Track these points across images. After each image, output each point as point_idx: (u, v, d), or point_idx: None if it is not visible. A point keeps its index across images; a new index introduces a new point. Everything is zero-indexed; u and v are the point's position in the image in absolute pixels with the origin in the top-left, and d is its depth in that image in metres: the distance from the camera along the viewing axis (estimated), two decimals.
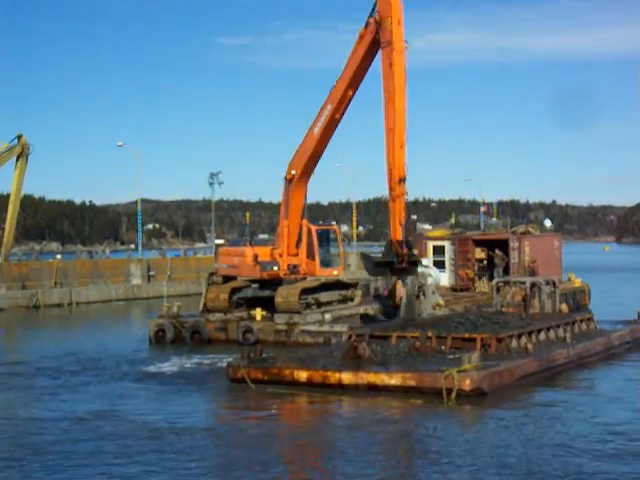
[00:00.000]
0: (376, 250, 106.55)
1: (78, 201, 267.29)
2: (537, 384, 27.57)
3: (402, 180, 32.66)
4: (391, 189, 32.87)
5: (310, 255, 41.15)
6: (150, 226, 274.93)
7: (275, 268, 40.78)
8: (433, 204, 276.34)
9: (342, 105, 37.61)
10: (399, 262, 32.72)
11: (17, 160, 74.22)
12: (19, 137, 73.92)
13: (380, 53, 34.22)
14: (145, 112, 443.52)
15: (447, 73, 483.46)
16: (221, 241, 61.01)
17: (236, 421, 23.64)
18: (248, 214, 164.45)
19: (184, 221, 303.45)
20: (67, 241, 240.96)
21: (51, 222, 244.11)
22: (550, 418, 22.98)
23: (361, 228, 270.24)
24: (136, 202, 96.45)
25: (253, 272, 41.22)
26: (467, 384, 24.77)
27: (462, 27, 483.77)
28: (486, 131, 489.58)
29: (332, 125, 38.38)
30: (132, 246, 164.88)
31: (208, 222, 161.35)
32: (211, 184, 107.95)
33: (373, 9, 34.72)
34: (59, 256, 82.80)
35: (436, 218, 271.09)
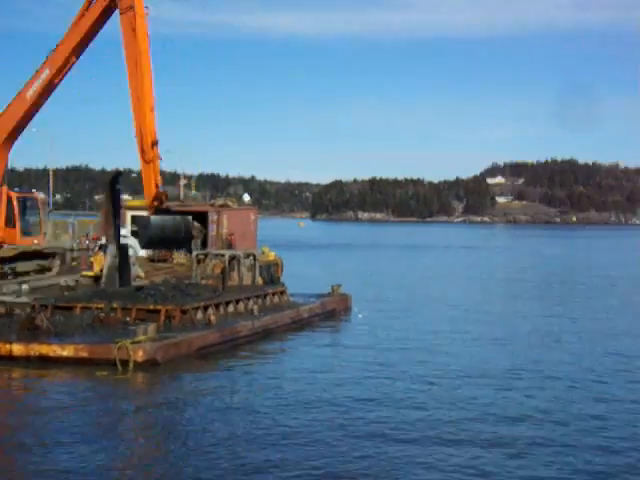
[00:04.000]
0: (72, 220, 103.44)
1: None
2: (217, 355, 27.89)
3: (155, 144, 32.70)
4: (143, 152, 32.75)
5: (10, 223, 40.05)
6: None
7: None
8: (134, 174, 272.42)
9: (63, 71, 36.96)
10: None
11: None
12: None
13: (119, 20, 34.03)
14: None
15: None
16: None
17: None
18: None
19: None
20: None
21: None
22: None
23: (58, 196, 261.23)
24: None
25: None
26: (140, 355, 24.82)
27: None
28: (189, 105, 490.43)
29: (49, 89, 37.56)
30: None
31: None
32: None
33: None
34: None
35: (137, 189, 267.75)
